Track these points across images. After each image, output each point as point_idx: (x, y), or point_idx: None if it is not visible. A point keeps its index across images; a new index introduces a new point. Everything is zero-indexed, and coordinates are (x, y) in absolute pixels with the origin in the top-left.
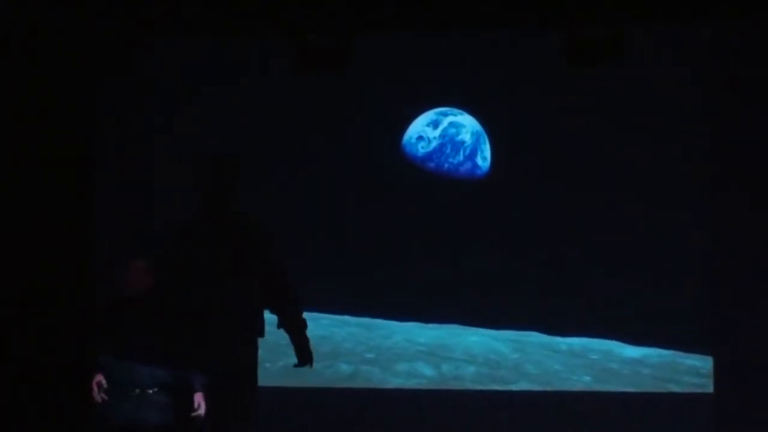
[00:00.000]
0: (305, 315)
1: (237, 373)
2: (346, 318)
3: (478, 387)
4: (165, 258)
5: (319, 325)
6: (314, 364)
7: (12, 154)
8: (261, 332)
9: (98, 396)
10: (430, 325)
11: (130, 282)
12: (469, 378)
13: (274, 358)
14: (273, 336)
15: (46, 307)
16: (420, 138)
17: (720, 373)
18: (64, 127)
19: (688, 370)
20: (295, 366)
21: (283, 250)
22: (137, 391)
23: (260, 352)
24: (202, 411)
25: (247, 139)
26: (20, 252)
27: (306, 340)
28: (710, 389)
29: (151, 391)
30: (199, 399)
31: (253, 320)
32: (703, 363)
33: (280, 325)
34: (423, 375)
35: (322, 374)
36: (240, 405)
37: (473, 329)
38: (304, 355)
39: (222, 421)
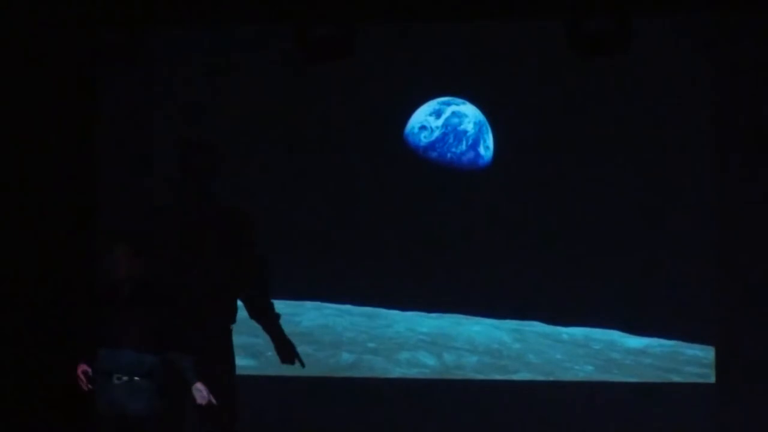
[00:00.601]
0: (308, 304)
1: (216, 361)
2: (348, 307)
3: (480, 376)
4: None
5: (321, 314)
6: (315, 354)
7: (12, 153)
8: (233, 319)
9: (85, 385)
10: (432, 315)
11: (110, 264)
12: (470, 367)
13: None
14: None
15: (46, 307)
16: (422, 127)
17: (722, 363)
18: (64, 127)
19: (690, 361)
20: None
21: (285, 240)
22: (124, 378)
23: (261, 340)
24: (211, 398)
25: (247, 138)
26: (20, 251)
27: (282, 332)
28: (712, 379)
29: (137, 378)
30: (201, 387)
31: (230, 309)
32: (705, 353)
33: (251, 317)
34: (425, 364)
35: (324, 363)
36: (222, 391)
37: (475, 319)
38: (284, 350)
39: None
